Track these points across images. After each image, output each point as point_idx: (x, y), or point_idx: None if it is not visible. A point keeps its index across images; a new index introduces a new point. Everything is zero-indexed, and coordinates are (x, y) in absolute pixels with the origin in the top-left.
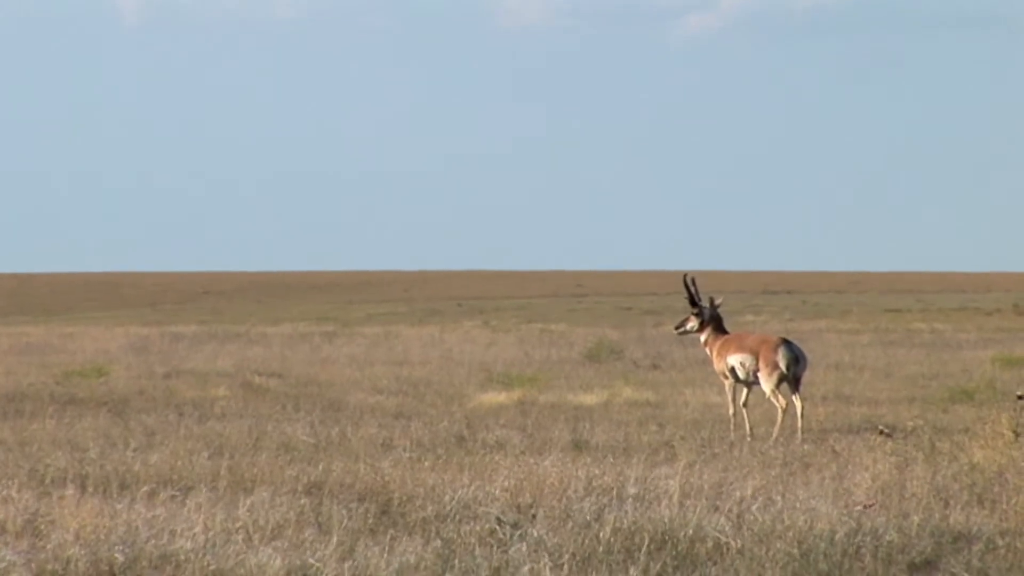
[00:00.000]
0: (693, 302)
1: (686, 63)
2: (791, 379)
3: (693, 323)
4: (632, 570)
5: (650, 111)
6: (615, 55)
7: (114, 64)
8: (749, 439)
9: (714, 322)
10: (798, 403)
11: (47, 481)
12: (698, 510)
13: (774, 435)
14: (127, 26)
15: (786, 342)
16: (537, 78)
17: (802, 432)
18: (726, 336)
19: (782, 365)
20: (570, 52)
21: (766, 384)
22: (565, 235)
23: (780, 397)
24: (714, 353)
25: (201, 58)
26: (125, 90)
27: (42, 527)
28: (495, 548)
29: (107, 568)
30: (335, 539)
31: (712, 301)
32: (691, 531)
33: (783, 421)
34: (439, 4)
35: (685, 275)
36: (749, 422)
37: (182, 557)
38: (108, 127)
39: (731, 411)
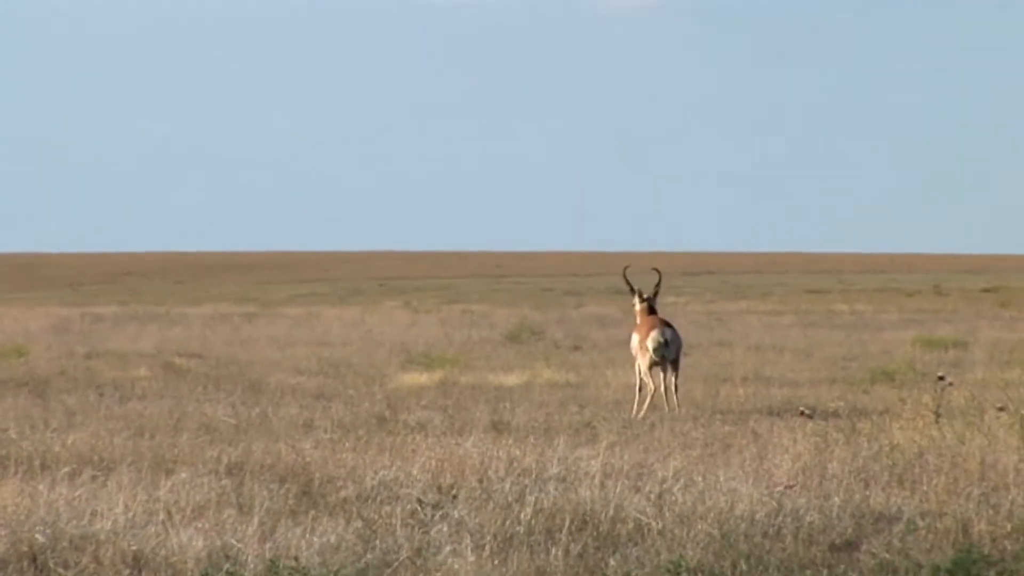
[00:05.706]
0: (632, 290)
1: (610, 40)
2: (662, 363)
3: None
4: (553, 551)
5: (570, 90)
6: (538, 29)
7: (36, 36)
8: (637, 417)
9: (648, 305)
10: (672, 390)
11: None
12: (619, 491)
13: (641, 413)
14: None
15: (661, 327)
16: (456, 53)
17: (671, 412)
18: (645, 317)
19: (650, 348)
20: (493, 26)
21: (639, 364)
22: (486, 215)
23: (651, 378)
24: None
25: (121, 33)
26: (45, 65)
27: None
28: (416, 529)
29: (27, 549)
30: (256, 520)
31: (645, 291)
32: (612, 512)
33: (652, 400)
34: None
35: (624, 268)
36: (654, 401)
37: (102, 538)
38: (26, 105)
39: (637, 385)
